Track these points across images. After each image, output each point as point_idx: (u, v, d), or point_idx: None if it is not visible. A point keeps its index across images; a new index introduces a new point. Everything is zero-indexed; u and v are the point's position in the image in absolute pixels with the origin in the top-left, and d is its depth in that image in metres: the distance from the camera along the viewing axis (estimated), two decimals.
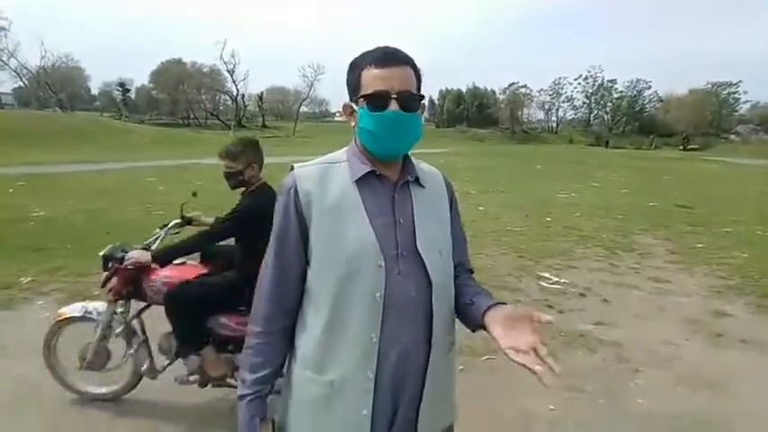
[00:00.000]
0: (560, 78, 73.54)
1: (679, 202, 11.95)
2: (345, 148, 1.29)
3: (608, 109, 73.37)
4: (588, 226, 8.84)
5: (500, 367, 3.41)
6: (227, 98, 65.11)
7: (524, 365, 1.00)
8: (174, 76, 59.66)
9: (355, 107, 1.21)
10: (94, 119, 42.16)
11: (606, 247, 7.28)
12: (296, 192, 1.19)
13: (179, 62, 61.93)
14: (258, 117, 66.47)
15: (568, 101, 74.87)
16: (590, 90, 72.62)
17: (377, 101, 1.14)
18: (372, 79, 1.15)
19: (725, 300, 5.10)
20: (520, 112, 72.47)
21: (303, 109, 71.19)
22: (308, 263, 1.22)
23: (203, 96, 63.73)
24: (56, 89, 58.21)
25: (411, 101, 1.16)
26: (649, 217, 9.99)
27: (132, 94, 70.93)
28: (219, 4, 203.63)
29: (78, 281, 4.88)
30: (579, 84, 72.69)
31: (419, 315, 1.20)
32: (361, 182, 1.21)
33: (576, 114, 77.02)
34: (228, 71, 60.83)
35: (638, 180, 18.14)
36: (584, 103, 74.57)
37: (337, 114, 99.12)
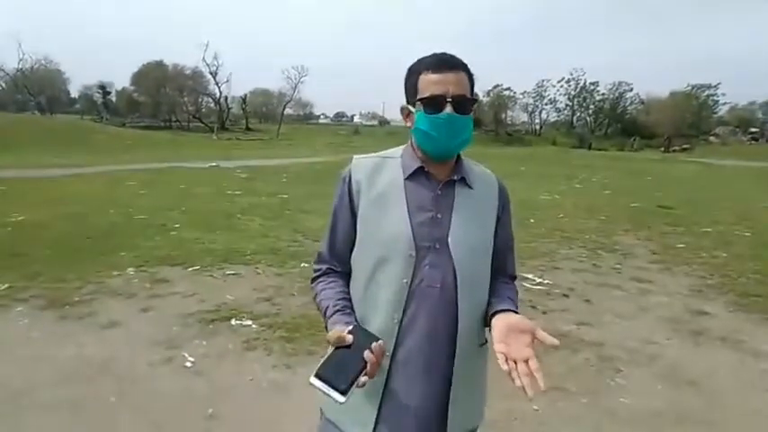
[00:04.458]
0: (543, 81, 74.08)
1: (661, 203, 12.12)
2: (402, 146, 1.39)
3: (590, 111, 74.01)
4: (571, 227, 8.92)
5: None
6: (210, 100, 64.48)
7: (509, 374, 1.05)
8: (155, 78, 58.87)
9: (412, 109, 1.29)
10: (74, 122, 41.62)
11: (589, 247, 7.35)
12: (349, 180, 1.34)
13: (160, 64, 61.13)
14: (242, 119, 65.98)
15: (551, 103, 75.35)
16: (573, 92, 73.23)
17: (433, 104, 1.22)
18: (429, 84, 1.23)
19: (705, 299, 5.18)
20: (504, 115, 72.77)
21: (287, 111, 70.72)
22: (354, 241, 1.35)
23: (186, 99, 62.96)
24: (34, 92, 57.20)
25: (465, 104, 1.23)
26: (631, 217, 10.12)
27: (113, 97, 70.01)
28: (202, 7, 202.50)
29: (58, 287, 4.80)
30: (562, 86, 73.22)
31: (443, 308, 1.26)
32: (410, 178, 1.31)
33: (559, 116, 77.56)
34: (211, 73, 60.12)
35: (620, 181, 18.36)
36: (566, 105, 75.14)
37: (322, 116, 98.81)
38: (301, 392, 3.06)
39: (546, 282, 5.59)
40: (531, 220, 9.46)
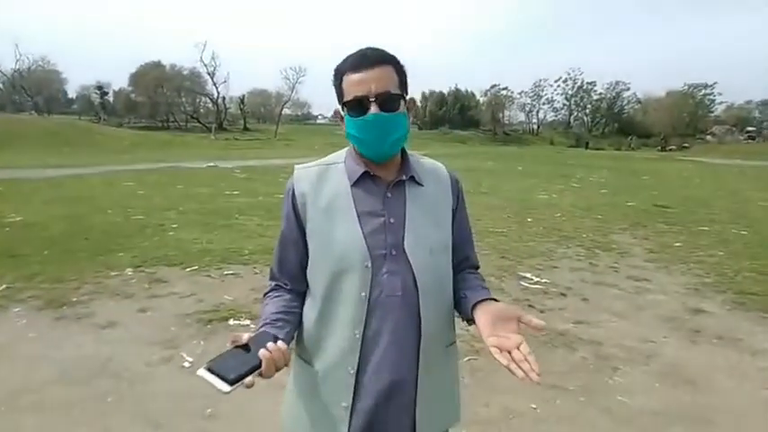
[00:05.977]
0: (541, 80, 74.28)
1: (657, 202, 12.14)
2: (346, 149, 1.31)
3: (587, 110, 74.34)
4: (569, 226, 8.93)
5: (482, 367, 3.42)
6: (208, 101, 64.39)
7: (508, 367, 1.01)
8: (153, 78, 58.84)
9: (343, 113, 1.23)
10: (72, 122, 41.48)
11: (586, 246, 7.37)
12: (293, 194, 1.26)
13: (158, 65, 61.12)
14: (240, 120, 65.93)
15: (549, 103, 75.71)
16: (570, 92, 73.49)
17: (357, 106, 1.16)
18: (350, 85, 1.17)
19: (702, 297, 5.19)
20: (501, 114, 72.92)
21: (285, 111, 70.62)
22: (306, 257, 1.28)
23: (183, 99, 62.92)
24: (32, 93, 57.17)
25: (390, 101, 1.17)
26: (628, 217, 10.14)
27: (111, 98, 69.96)
28: (200, 7, 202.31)
29: (56, 287, 4.80)
30: (559, 86, 73.52)
31: (406, 315, 1.21)
32: (356, 184, 1.24)
33: (556, 116, 77.91)
34: (209, 73, 60.10)
35: (617, 180, 18.40)
36: (564, 104, 75.48)
37: (320, 117, 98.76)
38: None
39: (543, 281, 5.60)
40: (529, 220, 9.48)
